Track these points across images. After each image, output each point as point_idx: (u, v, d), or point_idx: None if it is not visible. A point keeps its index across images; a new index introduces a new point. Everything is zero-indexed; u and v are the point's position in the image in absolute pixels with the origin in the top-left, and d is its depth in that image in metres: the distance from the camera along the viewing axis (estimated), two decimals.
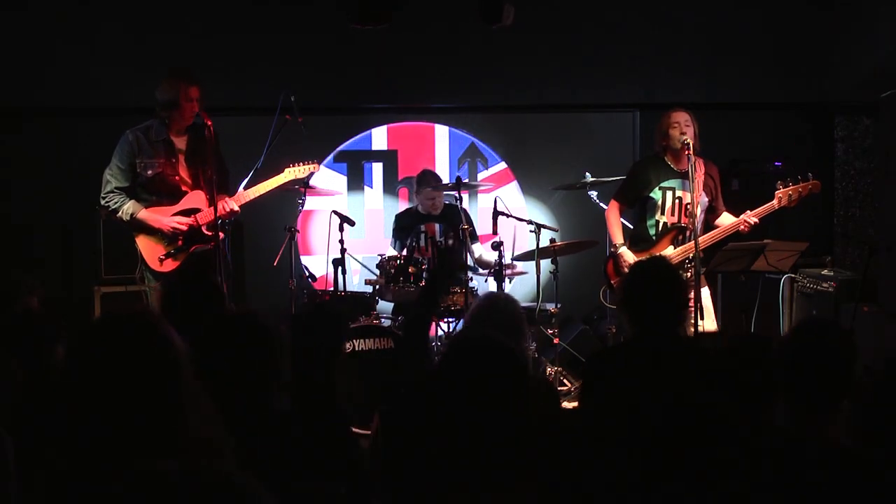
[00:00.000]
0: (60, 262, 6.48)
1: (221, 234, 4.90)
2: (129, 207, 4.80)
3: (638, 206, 5.36)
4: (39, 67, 6.29)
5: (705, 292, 5.13)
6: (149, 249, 4.83)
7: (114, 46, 6.32)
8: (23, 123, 6.57)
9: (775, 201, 5.06)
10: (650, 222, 5.25)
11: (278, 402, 2.45)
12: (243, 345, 2.37)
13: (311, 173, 5.25)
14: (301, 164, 5.16)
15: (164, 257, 4.82)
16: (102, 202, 4.88)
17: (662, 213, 5.22)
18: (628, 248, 5.24)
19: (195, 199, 4.87)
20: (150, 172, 4.83)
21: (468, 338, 2.35)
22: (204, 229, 4.87)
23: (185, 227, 4.81)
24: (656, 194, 5.21)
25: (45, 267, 6.35)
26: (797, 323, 2.81)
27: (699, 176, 5.06)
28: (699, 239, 4.98)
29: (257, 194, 5.01)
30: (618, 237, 5.31)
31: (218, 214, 4.80)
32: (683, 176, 5.15)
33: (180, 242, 4.83)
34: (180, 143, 4.91)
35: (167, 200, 4.86)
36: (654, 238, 5.21)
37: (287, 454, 2.29)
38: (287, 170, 5.12)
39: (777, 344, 2.71)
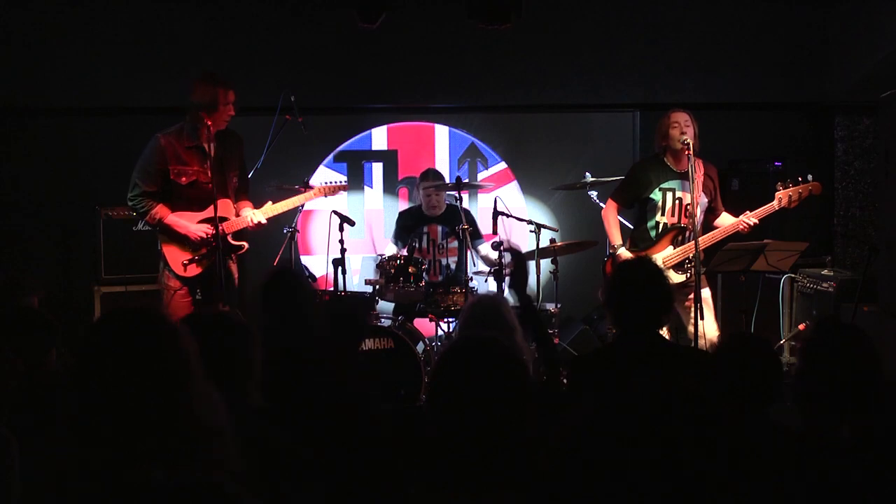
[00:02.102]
0: (60, 262, 6.48)
1: (246, 245, 4.93)
2: (157, 212, 4.80)
3: (637, 208, 5.34)
4: (39, 67, 6.29)
5: (706, 293, 5.12)
6: (173, 253, 4.85)
7: (114, 46, 6.32)
8: (23, 123, 6.57)
9: (775, 202, 5.06)
10: (650, 223, 5.23)
11: (253, 398, 2.44)
12: (216, 342, 2.36)
13: (339, 191, 5.32)
14: (330, 183, 5.21)
15: (187, 263, 4.83)
16: (129, 204, 4.89)
17: (663, 214, 5.20)
18: (627, 249, 5.23)
19: (222, 207, 4.86)
20: (184, 179, 4.82)
21: (464, 339, 2.34)
22: (230, 238, 4.90)
23: (211, 237, 4.81)
24: (656, 195, 5.20)
25: (45, 267, 6.35)
26: (816, 323, 2.80)
27: (699, 176, 5.06)
28: (699, 239, 4.98)
29: (285, 209, 5.08)
30: (616, 238, 5.29)
31: (245, 226, 4.91)
32: (683, 177, 5.14)
33: (204, 250, 4.83)
34: (210, 149, 4.88)
35: (196, 207, 4.85)
36: (653, 239, 5.20)
37: (261, 451, 2.28)
38: (316, 187, 5.15)
39: (796, 344, 2.72)
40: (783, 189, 5.05)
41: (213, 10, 6.43)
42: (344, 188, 5.35)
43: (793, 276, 6.17)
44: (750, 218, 5.07)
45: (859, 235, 6.58)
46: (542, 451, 2.17)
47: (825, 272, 6.11)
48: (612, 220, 5.34)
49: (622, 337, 3.24)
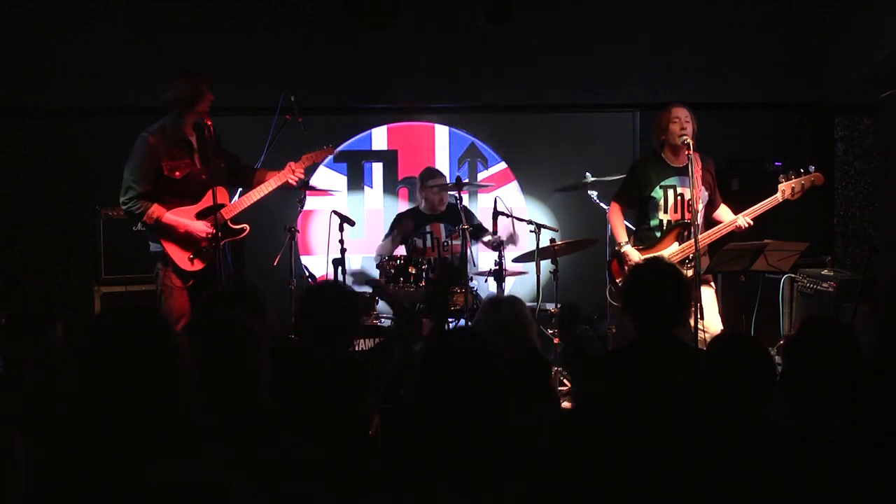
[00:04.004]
0: (60, 262, 6.48)
1: (247, 227, 4.94)
2: (153, 212, 4.80)
3: (639, 207, 5.34)
4: (39, 67, 6.29)
5: (709, 291, 5.12)
6: (177, 251, 4.85)
7: (114, 46, 6.32)
8: (23, 123, 6.57)
9: (779, 194, 5.07)
10: (654, 222, 5.22)
11: (263, 398, 2.44)
12: (221, 345, 2.37)
13: (326, 156, 5.35)
14: (318, 150, 5.25)
15: (193, 256, 4.84)
16: (124, 207, 4.88)
17: (665, 212, 5.19)
18: (633, 247, 5.23)
19: (217, 195, 4.87)
20: (177, 174, 4.83)
21: (447, 337, 2.34)
22: (230, 223, 4.92)
23: (213, 230, 4.83)
24: (657, 193, 5.19)
25: (45, 267, 6.35)
26: (803, 321, 2.81)
27: (697, 171, 5.05)
28: (701, 237, 4.98)
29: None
30: (622, 236, 5.28)
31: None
32: (682, 172, 5.14)
33: (205, 243, 4.84)
34: (194, 141, 4.92)
35: (190, 200, 4.87)
36: (658, 237, 5.20)
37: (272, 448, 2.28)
38: (304, 156, 5.17)
39: (784, 341, 2.73)
40: (786, 181, 5.06)
41: (213, 10, 6.43)
42: (331, 152, 5.34)
43: (793, 276, 6.16)
44: (743, 218, 5.08)
45: (859, 235, 6.58)
46: (536, 445, 2.18)
47: (825, 272, 6.10)
48: (617, 221, 5.34)
49: (639, 337, 3.24)
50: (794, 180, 5.05)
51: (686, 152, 4.97)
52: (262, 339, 2.44)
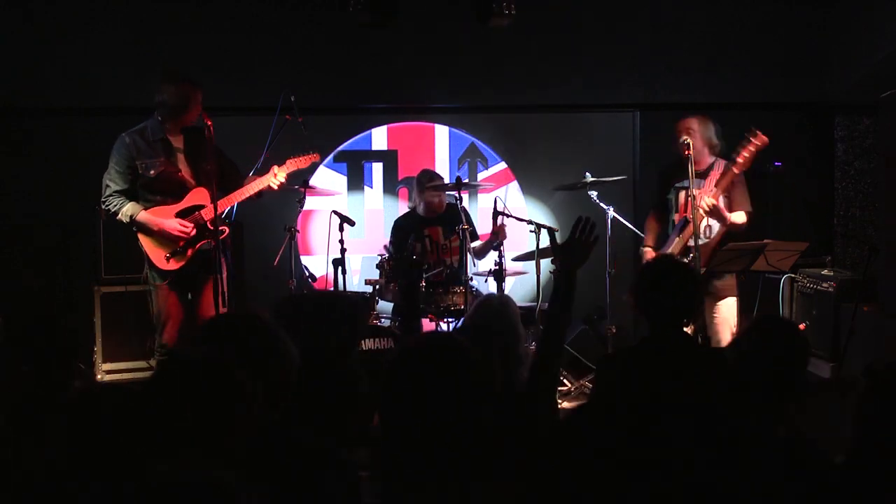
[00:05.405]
0: (60, 262, 6.48)
1: (227, 230, 4.93)
2: (128, 209, 4.81)
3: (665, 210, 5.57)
4: (39, 67, 6.29)
5: (729, 304, 5.22)
6: (154, 249, 4.86)
7: (114, 46, 6.32)
8: (22, 123, 6.57)
9: (735, 168, 5.14)
10: (670, 223, 5.47)
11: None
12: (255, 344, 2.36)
13: (310, 162, 5.26)
14: (301, 156, 5.17)
15: (170, 256, 4.84)
16: (103, 206, 4.90)
17: (676, 211, 5.41)
18: (652, 249, 5.45)
19: (198, 196, 4.88)
20: (152, 172, 4.85)
21: (414, 342, 2.31)
22: (209, 225, 4.90)
23: (190, 232, 4.82)
24: (671, 195, 5.43)
25: (45, 266, 6.35)
26: (751, 322, 2.84)
27: (714, 175, 5.22)
28: (697, 223, 5.06)
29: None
30: (647, 238, 5.55)
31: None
32: (700, 176, 5.25)
33: (182, 242, 4.84)
34: (177, 142, 4.94)
35: (171, 199, 4.88)
36: (669, 235, 5.42)
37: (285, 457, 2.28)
38: (288, 161, 5.14)
39: (732, 341, 2.75)
40: (735, 155, 5.13)
41: (213, 10, 6.43)
42: (315, 158, 5.30)
43: (793, 276, 6.17)
44: (703, 201, 5.12)
45: (859, 235, 6.58)
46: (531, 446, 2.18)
47: (825, 272, 6.11)
48: (647, 225, 5.61)
49: (650, 336, 3.25)
50: (741, 149, 5.11)
51: (686, 153, 5.07)
52: (285, 345, 2.41)
